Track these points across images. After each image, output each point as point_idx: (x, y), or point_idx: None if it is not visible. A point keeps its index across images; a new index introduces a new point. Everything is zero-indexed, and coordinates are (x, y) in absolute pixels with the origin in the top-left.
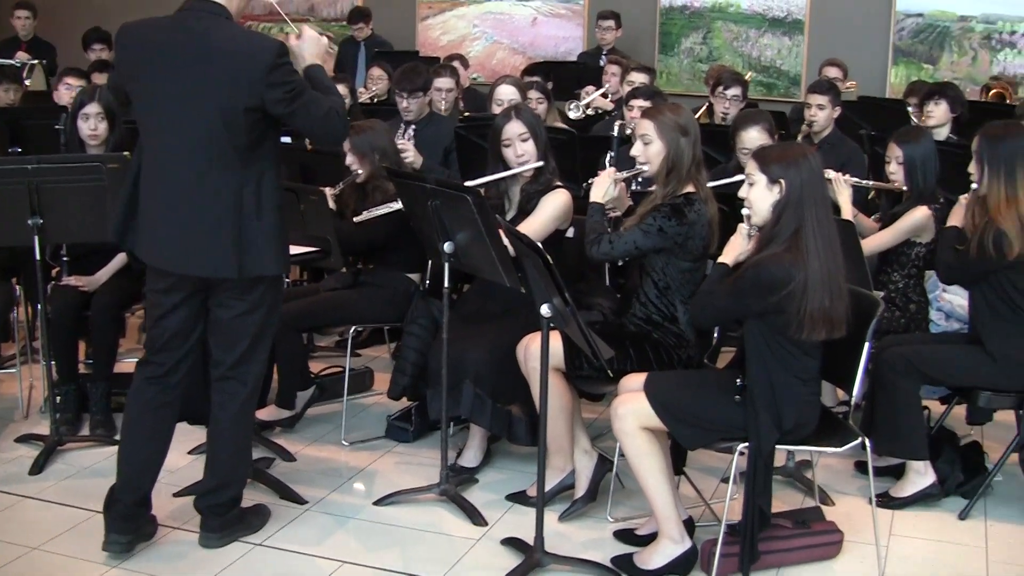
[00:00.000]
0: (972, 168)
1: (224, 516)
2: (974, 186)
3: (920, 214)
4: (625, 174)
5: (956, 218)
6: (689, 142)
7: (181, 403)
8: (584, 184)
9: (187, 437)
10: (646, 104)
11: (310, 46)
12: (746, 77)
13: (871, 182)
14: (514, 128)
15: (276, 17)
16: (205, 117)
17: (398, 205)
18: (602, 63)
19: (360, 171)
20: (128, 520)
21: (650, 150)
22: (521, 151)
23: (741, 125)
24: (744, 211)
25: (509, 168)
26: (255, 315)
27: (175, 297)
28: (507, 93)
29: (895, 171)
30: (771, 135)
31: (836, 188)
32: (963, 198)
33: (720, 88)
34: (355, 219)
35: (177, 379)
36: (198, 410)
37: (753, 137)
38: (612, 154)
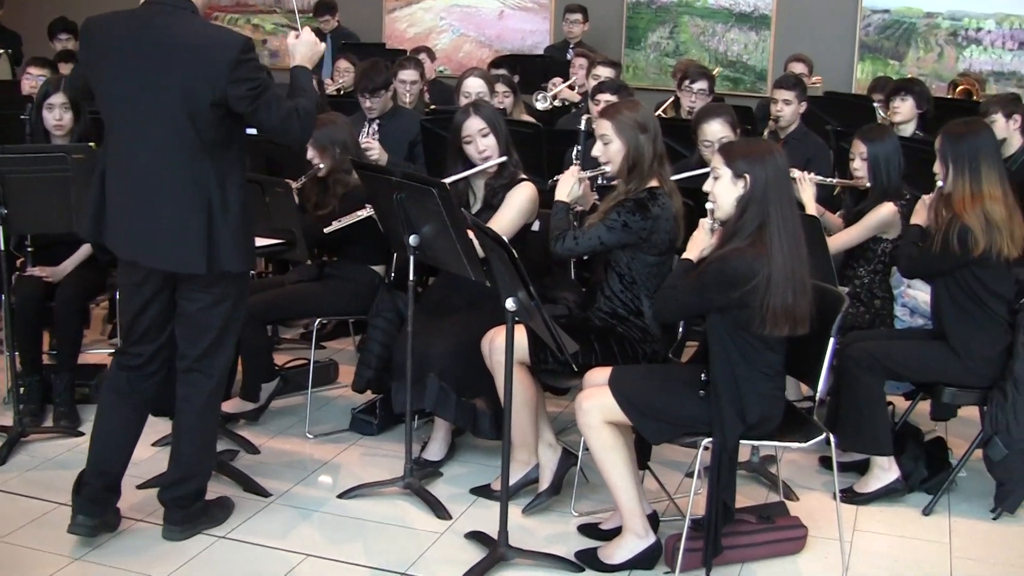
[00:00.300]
0: (937, 168)
1: (187, 509)
2: (939, 184)
3: (886, 210)
4: (588, 174)
5: (919, 217)
6: (649, 138)
7: (156, 387)
8: (549, 182)
9: (151, 429)
10: (612, 98)
11: (304, 48)
12: (713, 72)
13: (835, 179)
14: (474, 124)
15: (243, 8)
16: (170, 112)
17: (366, 213)
18: (569, 57)
19: (322, 165)
20: (96, 503)
21: (610, 149)
22: (483, 147)
23: (703, 118)
24: (708, 205)
25: (469, 164)
26: (220, 308)
27: (148, 290)
28: (475, 86)
29: (859, 167)
30: (733, 128)
31: (800, 186)
32: (926, 197)
33: (687, 82)
34: (325, 231)
35: (154, 369)
36: (163, 402)
37: (715, 130)
38: (579, 148)
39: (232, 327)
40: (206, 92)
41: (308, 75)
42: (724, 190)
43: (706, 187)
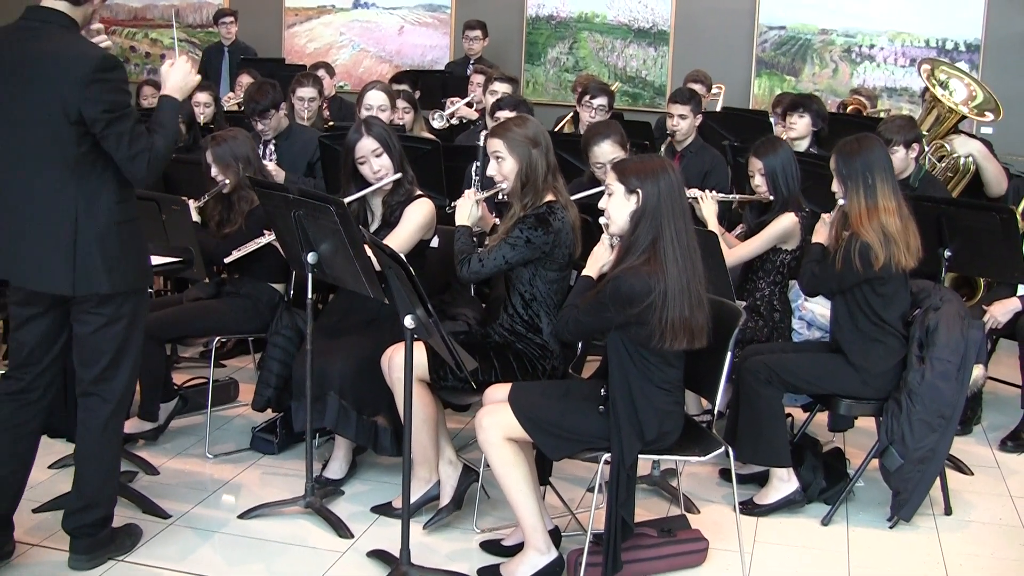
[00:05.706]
0: (835, 187)
1: (94, 537)
2: (841, 202)
3: (787, 221)
4: (485, 194)
5: (820, 236)
6: (541, 152)
7: (44, 416)
8: (448, 208)
9: (48, 451)
10: (511, 115)
11: (177, 76)
12: (612, 87)
13: (736, 196)
14: (367, 145)
15: (140, 23)
16: (35, 127)
17: (265, 240)
18: (469, 72)
19: (227, 181)
20: None
21: (504, 167)
22: (377, 167)
23: (593, 140)
24: (601, 220)
25: (363, 183)
26: (115, 328)
27: (31, 310)
28: (377, 99)
29: (760, 183)
30: (623, 147)
31: (701, 204)
32: (826, 216)
33: (587, 97)
34: (226, 260)
35: (37, 396)
36: (60, 423)
37: (605, 151)
38: (478, 164)
39: (129, 349)
40: (64, 107)
41: (174, 106)
42: (617, 206)
43: (601, 204)
